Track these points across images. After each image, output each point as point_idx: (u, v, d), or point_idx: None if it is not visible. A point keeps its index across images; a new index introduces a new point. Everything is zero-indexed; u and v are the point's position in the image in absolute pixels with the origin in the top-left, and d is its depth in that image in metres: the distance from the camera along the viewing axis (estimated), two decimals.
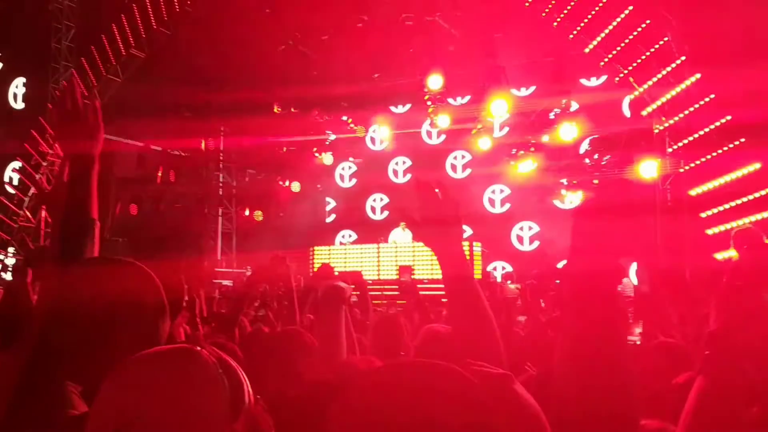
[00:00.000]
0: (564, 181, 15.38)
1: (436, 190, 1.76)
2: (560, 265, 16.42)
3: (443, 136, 18.70)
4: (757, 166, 10.95)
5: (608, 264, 1.33)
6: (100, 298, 1.45)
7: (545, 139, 15.43)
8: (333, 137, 18.96)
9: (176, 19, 15.30)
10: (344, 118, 18.20)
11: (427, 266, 15.38)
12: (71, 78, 2.12)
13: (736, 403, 1.32)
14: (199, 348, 1.21)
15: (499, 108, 14.56)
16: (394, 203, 19.33)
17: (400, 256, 15.94)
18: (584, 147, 15.50)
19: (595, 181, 14.57)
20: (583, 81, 16.48)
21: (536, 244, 17.53)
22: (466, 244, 15.40)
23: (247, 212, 19.95)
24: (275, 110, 17.41)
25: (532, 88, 17.14)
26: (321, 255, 16.88)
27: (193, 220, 19.09)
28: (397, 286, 13.02)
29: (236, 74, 15.39)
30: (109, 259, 1.65)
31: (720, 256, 11.01)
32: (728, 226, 10.99)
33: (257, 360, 2.70)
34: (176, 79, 15.54)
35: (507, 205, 18.12)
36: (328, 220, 20.81)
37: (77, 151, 2.02)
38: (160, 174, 18.40)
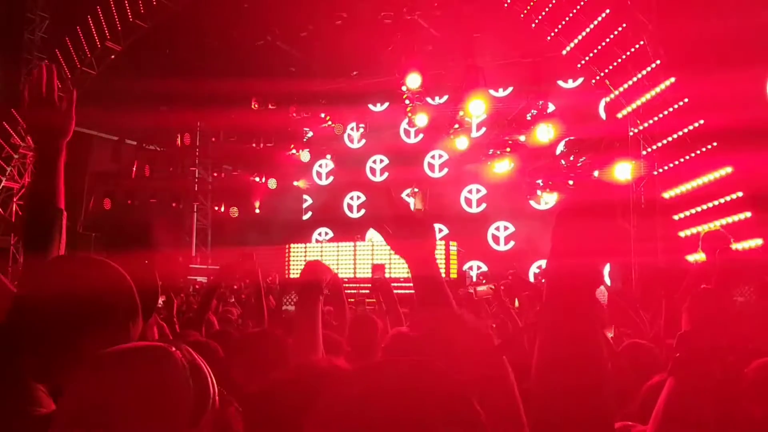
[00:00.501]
0: (540, 182, 15.49)
1: (418, 195, 1.77)
2: (536, 265, 16.57)
3: (421, 135, 18.75)
4: (728, 169, 11.11)
5: (588, 267, 1.34)
6: (67, 297, 1.42)
7: (522, 139, 15.52)
8: (310, 134, 18.91)
9: (153, 12, 15.11)
10: (322, 115, 18.15)
11: (402, 265, 15.42)
12: (48, 65, 2.07)
13: (704, 403, 1.34)
14: (173, 348, 1.20)
15: (476, 108, 14.62)
16: (370, 203, 19.35)
17: (376, 254, 15.95)
18: (560, 148, 15.63)
19: (570, 182, 14.70)
20: (561, 83, 16.62)
21: (512, 244, 17.65)
22: (442, 243, 15.47)
23: (222, 208, 19.81)
24: (253, 106, 17.30)
25: (510, 89, 17.25)
26: (297, 252, 16.83)
27: (166, 216, 18.93)
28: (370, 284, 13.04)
29: (213, 69, 15.25)
30: (79, 257, 1.61)
31: (692, 258, 11.18)
32: (700, 228, 11.15)
33: (229, 360, 2.68)
34: (152, 73, 15.36)
35: (483, 205, 18.22)
36: (305, 217, 20.76)
37: (45, 138, 1.98)
38: (134, 168, 18.20)
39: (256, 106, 17.35)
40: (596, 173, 13.57)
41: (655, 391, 1.45)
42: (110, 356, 1.19)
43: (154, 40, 15.67)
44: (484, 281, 14.29)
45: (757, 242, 10.26)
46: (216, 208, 20.43)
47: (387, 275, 15.21)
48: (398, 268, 15.56)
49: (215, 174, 21.26)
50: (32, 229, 1.90)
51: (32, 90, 1.99)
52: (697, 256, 10.49)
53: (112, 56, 15.87)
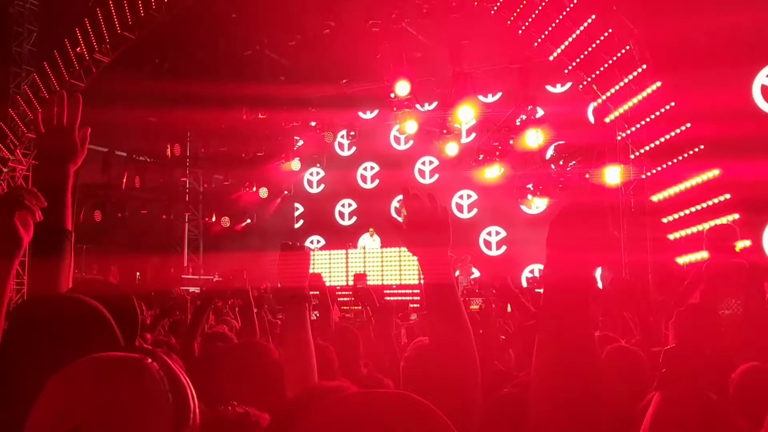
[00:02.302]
0: (530, 186, 15.54)
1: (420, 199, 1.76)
2: (528, 269, 16.60)
3: (411, 142, 18.79)
4: (715, 172, 11.19)
5: (584, 272, 1.36)
6: (42, 343, 1.43)
7: (511, 144, 15.59)
8: (301, 143, 18.91)
9: (141, 24, 15.08)
10: (312, 123, 18.16)
11: (394, 272, 15.43)
12: (61, 95, 2.18)
13: (690, 417, 1.35)
14: (149, 360, 1.17)
15: (465, 114, 14.68)
16: (362, 209, 19.37)
17: (368, 262, 15.96)
18: (550, 153, 15.69)
19: (560, 186, 14.76)
20: (549, 88, 16.70)
21: (504, 248, 17.69)
22: None
23: (213, 218, 19.78)
24: (243, 116, 17.30)
25: (499, 95, 17.32)
26: None
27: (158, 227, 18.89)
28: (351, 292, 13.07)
29: (202, 79, 15.24)
30: (56, 297, 1.62)
31: (682, 260, 11.24)
32: (688, 231, 11.22)
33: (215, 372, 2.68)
34: (141, 84, 15.34)
35: (474, 210, 18.25)
36: (297, 225, 20.74)
37: (56, 163, 2.08)
38: (125, 180, 18.15)
39: (246, 116, 17.35)
40: (588, 176, 13.64)
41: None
42: (82, 366, 1.15)
43: (143, 50, 15.65)
44: (477, 290, 14.34)
45: (745, 243, 10.32)
46: (207, 219, 20.39)
47: (379, 282, 15.24)
48: (390, 276, 15.58)
49: (206, 184, 21.22)
50: (41, 251, 1.95)
51: (47, 119, 2.08)
52: (699, 255, 10.55)
53: (101, 68, 15.84)
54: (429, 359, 2.02)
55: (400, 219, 1.84)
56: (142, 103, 15.95)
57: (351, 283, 14.85)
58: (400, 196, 1.82)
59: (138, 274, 17.51)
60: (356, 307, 11.01)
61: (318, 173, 20.59)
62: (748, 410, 2.27)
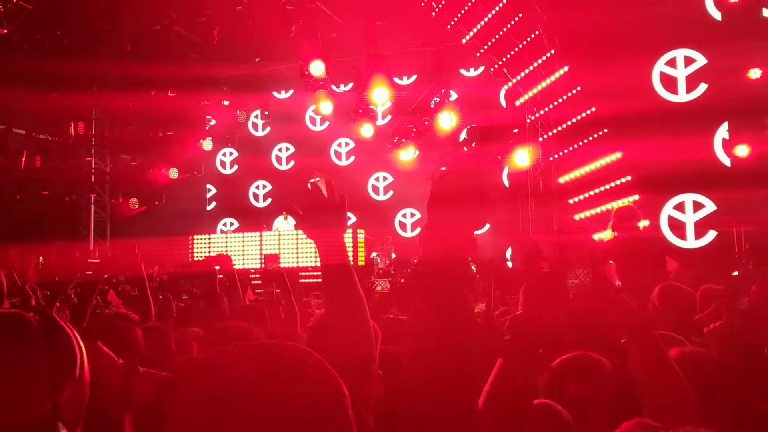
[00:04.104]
0: (444, 168, 15.71)
1: (321, 183, 1.79)
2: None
3: (327, 123, 18.64)
4: (618, 155, 11.67)
5: (461, 234, 1.35)
6: None
7: (426, 125, 15.73)
8: (213, 122, 18.43)
9: None
10: (225, 102, 17.73)
11: (310, 254, 15.34)
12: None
13: (526, 381, 1.38)
14: (31, 314, 1.15)
15: (380, 96, 14.67)
16: (277, 190, 19.13)
17: (283, 244, 15.79)
18: (463, 135, 15.92)
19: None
20: (462, 71, 16.92)
21: (418, 230, 17.89)
22: (350, 231, 15.49)
23: (121, 200, 19.04)
24: (151, 94, 16.69)
25: (414, 77, 17.41)
26: (201, 243, 16.45)
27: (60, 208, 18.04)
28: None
29: (108, 54, 14.55)
30: None
31: (597, 237, 11.70)
32: (593, 212, 11.67)
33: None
34: (42, 57, 14.50)
35: (390, 192, 18.35)
36: (209, 207, 20.28)
37: None
38: (24, 159, 17.20)
39: (155, 92, 16.73)
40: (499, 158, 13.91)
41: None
42: None
43: (42, 22, 14.78)
44: (392, 271, 14.45)
45: (644, 223, 10.83)
46: (114, 201, 19.61)
47: (294, 265, 15.11)
48: (306, 257, 15.48)
49: (113, 165, 20.39)
50: None
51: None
52: (605, 234, 10.99)
53: None
54: (327, 328, 2.02)
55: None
56: (43, 79, 15.08)
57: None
58: (313, 179, 1.84)
59: (41, 258, 16.70)
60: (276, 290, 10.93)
61: (231, 154, 20.14)
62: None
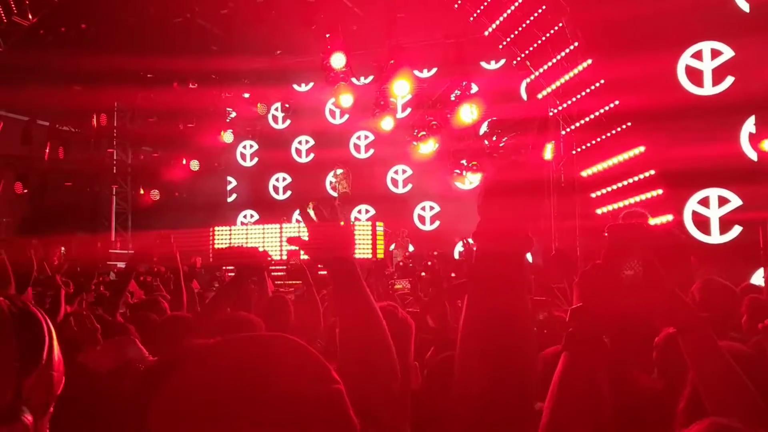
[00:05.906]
0: (464, 162, 15.69)
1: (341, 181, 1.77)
2: (461, 244, 16.80)
3: (346, 116, 18.63)
4: (641, 149, 11.54)
5: (518, 231, 1.35)
6: None
7: (447, 119, 15.66)
8: (233, 115, 18.50)
9: None
10: (245, 95, 17.78)
11: None
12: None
13: (597, 375, 1.36)
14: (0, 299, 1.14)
15: (401, 89, 14.63)
16: (297, 183, 19.23)
17: (303, 236, 15.82)
18: (483, 129, 15.85)
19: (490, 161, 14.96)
20: (483, 64, 16.83)
21: (437, 224, 17.86)
22: (368, 224, 15.49)
23: (142, 191, 19.19)
24: (173, 85, 16.75)
25: (435, 70, 17.34)
26: (222, 235, 16.53)
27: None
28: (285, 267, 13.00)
29: (131, 47, 14.62)
30: None
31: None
32: (615, 206, 11.56)
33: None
34: (65, 50, 14.61)
35: (409, 186, 18.33)
36: (229, 199, 20.38)
37: None
38: (47, 150, 17.38)
39: (177, 85, 16.81)
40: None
41: (549, 364, 1.47)
42: None
43: (66, 14, 14.90)
44: (410, 263, 14.42)
45: (668, 218, 10.73)
46: (135, 192, 19.77)
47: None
48: None
49: (134, 156, 20.55)
50: None
51: None
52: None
53: (21, 32, 15.01)
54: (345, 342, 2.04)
55: (335, 195, 1.84)
56: (66, 71, 15.22)
57: (285, 257, 14.70)
58: (336, 171, 1.82)
59: (63, 249, 16.88)
60: (295, 282, 10.94)
61: (252, 146, 20.22)
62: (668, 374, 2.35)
